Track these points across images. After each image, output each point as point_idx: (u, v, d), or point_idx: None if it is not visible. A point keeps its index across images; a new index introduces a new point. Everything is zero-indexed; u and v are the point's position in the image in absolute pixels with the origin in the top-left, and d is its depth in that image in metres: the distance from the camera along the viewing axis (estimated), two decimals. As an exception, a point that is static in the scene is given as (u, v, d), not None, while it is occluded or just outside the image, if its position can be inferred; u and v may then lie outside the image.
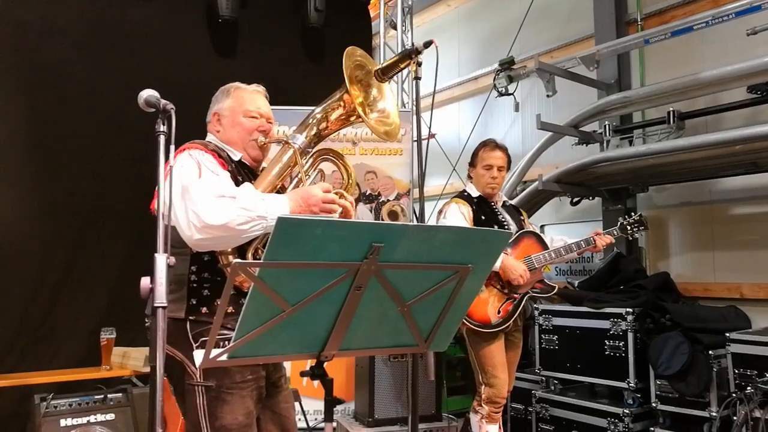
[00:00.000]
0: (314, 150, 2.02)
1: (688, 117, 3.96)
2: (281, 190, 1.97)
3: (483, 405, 3.04)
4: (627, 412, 3.35)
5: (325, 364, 1.52)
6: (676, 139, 3.79)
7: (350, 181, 2.01)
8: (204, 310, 1.81)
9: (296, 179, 1.97)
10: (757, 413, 2.75)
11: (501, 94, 4.81)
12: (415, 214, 4.54)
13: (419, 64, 2.03)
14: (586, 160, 4.07)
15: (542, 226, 4.96)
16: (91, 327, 3.76)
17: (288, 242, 1.25)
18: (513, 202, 3.89)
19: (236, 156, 1.98)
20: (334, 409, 1.62)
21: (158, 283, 1.38)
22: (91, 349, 3.68)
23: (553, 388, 3.86)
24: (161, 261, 1.40)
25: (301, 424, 3.40)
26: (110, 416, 3.18)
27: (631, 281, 3.86)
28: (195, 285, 1.82)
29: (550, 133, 4.44)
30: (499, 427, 3.10)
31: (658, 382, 3.34)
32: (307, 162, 2.00)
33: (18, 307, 3.70)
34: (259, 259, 1.76)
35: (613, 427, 3.40)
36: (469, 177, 3.32)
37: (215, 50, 4.65)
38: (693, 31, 3.74)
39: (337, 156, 2.05)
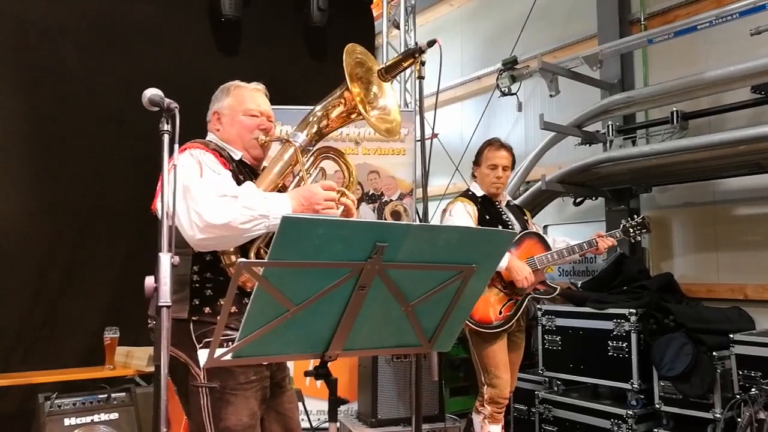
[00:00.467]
0: (315, 148, 2.01)
1: (692, 117, 3.95)
2: (282, 189, 1.96)
3: (485, 405, 3.04)
4: (630, 413, 3.34)
5: (329, 365, 1.52)
6: (680, 140, 3.78)
7: (352, 179, 2.01)
8: (207, 310, 1.80)
9: (297, 178, 1.96)
10: (762, 415, 2.74)
11: (504, 94, 4.80)
12: (417, 214, 4.54)
13: (423, 64, 2.03)
14: (589, 161, 4.06)
15: (545, 227, 4.95)
16: (94, 326, 3.76)
17: (292, 242, 1.25)
18: (516, 202, 3.88)
19: (237, 155, 1.97)
20: (338, 409, 1.62)
21: (162, 282, 1.38)
22: (94, 348, 3.69)
23: (556, 388, 3.85)
24: (165, 260, 1.40)
25: (305, 425, 3.39)
26: (114, 415, 3.19)
27: (634, 282, 3.85)
28: (197, 285, 1.82)
29: (553, 133, 4.43)
30: (502, 428, 3.09)
31: (661, 384, 3.33)
32: (308, 160, 1.99)
33: (21, 307, 3.70)
34: (262, 258, 1.76)
35: (616, 428, 3.39)
36: (473, 176, 3.30)
37: (218, 49, 4.65)
38: (696, 31, 3.72)
39: (338, 154, 2.04)
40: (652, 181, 4.21)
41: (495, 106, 5.40)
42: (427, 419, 3.61)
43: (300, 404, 2.67)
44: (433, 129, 2.71)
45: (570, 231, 4.71)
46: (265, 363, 1.86)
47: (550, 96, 4.32)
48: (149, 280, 1.41)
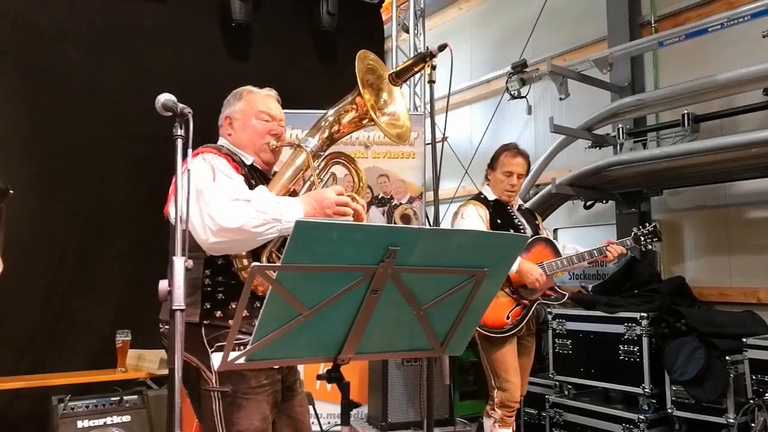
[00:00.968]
0: (326, 153, 2.03)
1: (703, 120, 3.92)
2: (293, 194, 1.97)
3: (496, 409, 3.03)
4: (642, 417, 3.32)
5: (340, 368, 1.52)
6: (691, 142, 3.76)
7: (361, 184, 2.02)
8: (218, 314, 1.81)
9: (308, 182, 1.98)
10: (776, 419, 2.71)
11: (513, 97, 4.79)
12: (427, 218, 4.54)
13: (434, 68, 2.03)
14: (599, 164, 4.05)
15: (555, 230, 4.94)
16: (105, 329, 3.79)
17: (306, 245, 1.25)
18: (527, 205, 3.87)
19: (248, 160, 1.99)
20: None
21: (176, 286, 1.39)
22: (105, 351, 3.71)
23: (566, 393, 3.83)
24: (179, 264, 1.41)
25: (315, 428, 3.40)
26: (126, 418, 3.22)
27: (645, 285, 3.82)
28: (209, 289, 1.83)
29: (563, 137, 4.41)
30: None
31: (673, 388, 3.30)
32: (319, 165, 2.01)
33: (33, 310, 3.73)
34: (274, 262, 1.77)
35: (627, 432, 3.37)
36: (487, 179, 3.28)
37: (228, 53, 4.68)
38: (707, 33, 3.70)
39: (348, 159, 2.06)
40: (663, 184, 4.18)
41: (504, 110, 5.39)
42: (438, 423, 3.61)
43: (310, 407, 2.67)
44: (444, 132, 2.71)
45: (580, 234, 4.69)
46: (276, 367, 1.86)
47: (560, 99, 4.31)
48: (163, 284, 1.41)
